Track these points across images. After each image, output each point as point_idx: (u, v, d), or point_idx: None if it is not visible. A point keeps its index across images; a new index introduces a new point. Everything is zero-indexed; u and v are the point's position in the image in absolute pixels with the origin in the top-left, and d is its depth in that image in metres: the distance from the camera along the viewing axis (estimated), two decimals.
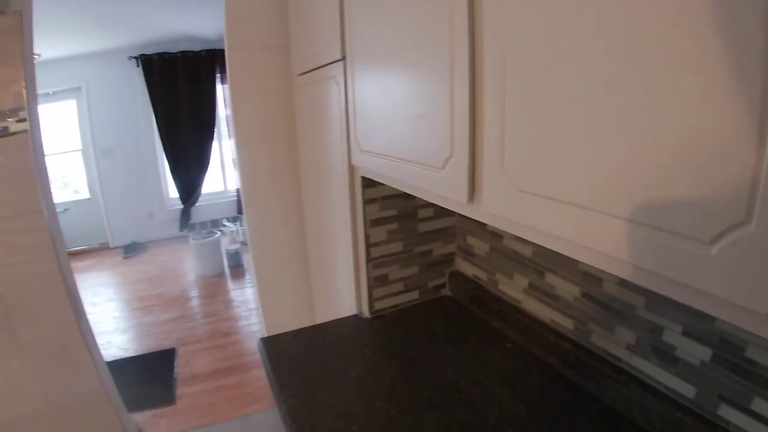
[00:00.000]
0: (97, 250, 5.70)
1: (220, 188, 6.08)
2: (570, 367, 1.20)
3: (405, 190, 1.17)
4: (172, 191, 5.85)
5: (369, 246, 1.51)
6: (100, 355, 2.53)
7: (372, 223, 1.49)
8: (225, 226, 5.33)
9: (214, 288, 4.25)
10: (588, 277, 1.14)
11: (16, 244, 2.20)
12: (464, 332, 1.45)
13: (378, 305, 1.59)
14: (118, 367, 2.70)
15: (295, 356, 1.39)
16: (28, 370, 2.47)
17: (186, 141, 5.43)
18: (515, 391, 1.17)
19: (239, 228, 5.24)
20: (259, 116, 2.17)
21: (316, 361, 1.36)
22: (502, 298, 1.45)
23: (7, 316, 2.35)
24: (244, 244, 4.94)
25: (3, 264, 2.23)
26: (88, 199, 5.68)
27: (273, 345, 1.46)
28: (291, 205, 2.31)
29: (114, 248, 5.73)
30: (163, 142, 5.40)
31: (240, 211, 5.63)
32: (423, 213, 1.56)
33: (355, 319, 1.60)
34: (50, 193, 2.23)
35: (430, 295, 1.67)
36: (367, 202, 1.45)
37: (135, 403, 2.81)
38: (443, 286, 1.69)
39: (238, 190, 5.68)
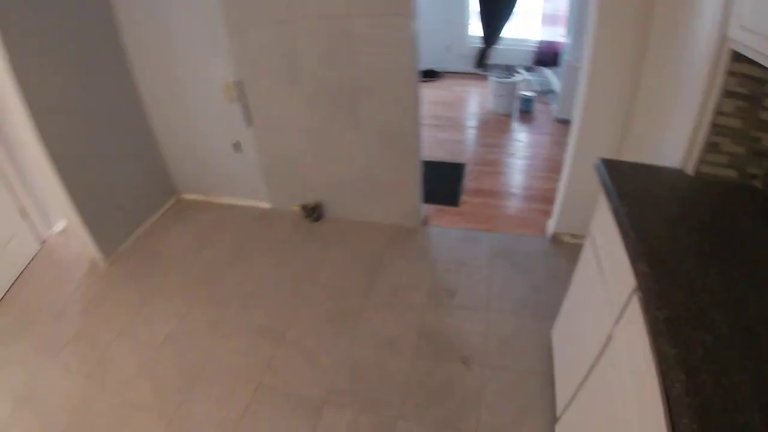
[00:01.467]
0: None
1: (521, 36, 6.07)
2: None
3: None
4: (474, 29, 6.01)
5: (717, 113, 1.63)
6: (420, 146, 2.94)
7: (726, 93, 1.59)
8: (519, 73, 5.40)
9: (502, 125, 4.53)
10: None
11: (385, 38, 2.65)
12: None
13: (701, 168, 1.73)
14: None
15: (632, 179, 1.66)
16: (360, 141, 3.01)
17: None
18: None
19: (533, 78, 5.28)
20: None
21: (650, 189, 1.62)
22: None
23: (356, 94, 2.86)
24: (536, 93, 5.01)
25: (368, 53, 2.72)
26: None
27: (612, 166, 1.74)
28: (629, 65, 2.42)
29: None
30: None
31: (537, 63, 5.61)
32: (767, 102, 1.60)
33: (678, 172, 1.78)
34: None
35: (744, 180, 1.74)
36: (729, 73, 1.55)
37: (426, 196, 3.28)
38: (756, 176, 1.73)
39: (540, 42, 5.63)
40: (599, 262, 1.70)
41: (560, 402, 1.96)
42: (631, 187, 1.61)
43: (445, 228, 3.23)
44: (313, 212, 3.41)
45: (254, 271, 3.20)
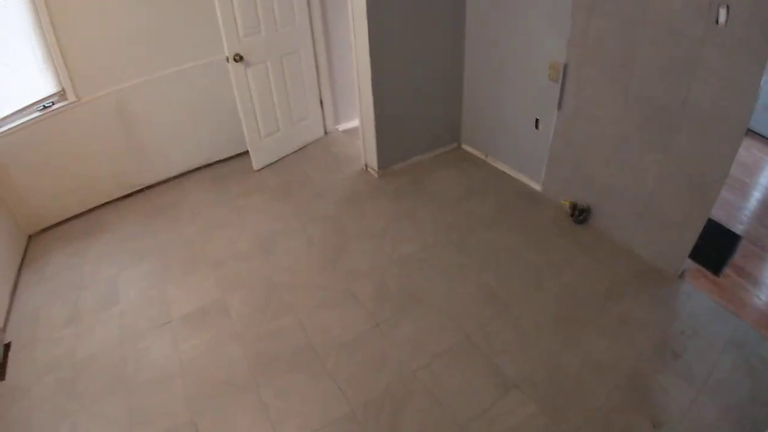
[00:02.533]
0: None
1: None
2: None
3: None
4: None
5: None
6: (716, 199, 2.81)
7: None
8: None
9: None
10: None
11: (728, 76, 2.54)
12: None
13: None
14: None
15: None
16: (661, 164, 3.00)
17: None
18: None
19: None
20: None
21: None
22: None
23: (677, 118, 2.81)
24: None
25: (706, 83, 2.63)
26: None
27: None
28: None
29: None
30: None
31: None
32: None
33: None
34: None
35: None
36: None
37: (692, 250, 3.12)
38: None
39: None
40: None
41: None
42: None
43: (696, 290, 3.10)
44: (581, 213, 3.46)
45: (503, 239, 3.41)
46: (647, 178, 3.08)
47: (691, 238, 3.00)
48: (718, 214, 3.78)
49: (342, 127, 4.78)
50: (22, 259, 3.63)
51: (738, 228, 3.78)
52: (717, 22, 2.44)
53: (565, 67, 3.21)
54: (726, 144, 2.68)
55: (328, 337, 2.77)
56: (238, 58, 3.68)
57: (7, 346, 2.95)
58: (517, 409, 2.42)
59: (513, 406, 2.43)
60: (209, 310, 2.97)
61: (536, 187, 3.85)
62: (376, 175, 3.99)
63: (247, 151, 4.21)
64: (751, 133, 5.52)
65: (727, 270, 3.30)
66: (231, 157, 4.46)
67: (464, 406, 2.43)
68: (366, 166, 4.09)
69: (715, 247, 3.44)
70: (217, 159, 4.43)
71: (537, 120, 3.57)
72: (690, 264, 3.25)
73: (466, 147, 4.38)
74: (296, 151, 4.45)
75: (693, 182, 2.88)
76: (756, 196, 4.32)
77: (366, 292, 3.03)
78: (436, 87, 3.94)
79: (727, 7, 2.38)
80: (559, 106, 3.36)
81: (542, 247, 3.39)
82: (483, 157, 4.21)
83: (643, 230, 3.25)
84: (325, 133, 4.68)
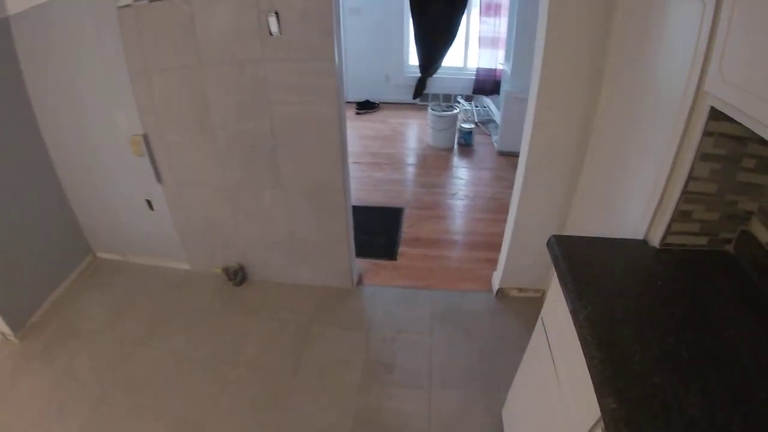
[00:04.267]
0: None
1: (460, 64, 5.93)
2: None
3: None
4: (412, 59, 5.84)
5: (689, 179, 1.39)
6: (349, 201, 2.69)
7: (702, 156, 1.36)
8: (459, 103, 5.25)
9: (443, 161, 4.31)
10: None
11: (304, 85, 2.34)
12: (745, 297, 1.33)
13: (669, 239, 1.51)
14: None
15: (588, 263, 1.41)
16: (281, 198, 2.73)
17: (435, 10, 5.26)
18: None
19: (474, 108, 5.13)
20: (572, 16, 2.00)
21: (610, 276, 1.37)
22: None
23: (274, 147, 2.56)
24: (477, 125, 4.85)
25: (286, 101, 2.41)
26: None
27: (567, 245, 1.47)
28: (581, 109, 2.20)
29: (347, 102, 6.01)
30: (411, 8, 5.30)
31: (476, 91, 5.47)
32: (746, 163, 1.37)
33: (642, 244, 1.55)
34: (341, 42, 2.27)
35: (715, 246, 1.53)
36: (705, 134, 1.32)
37: (360, 250, 3.00)
38: (729, 241, 1.53)
39: (478, 70, 5.49)
40: (556, 366, 1.44)
41: None
42: (592, 272, 1.37)
43: (381, 287, 2.91)
44: (236, 276, 3.07)
45: (171, 348, 2.79)
46: (275, 213, 2.81)
47: (346, 244, 2.78)
48: (375, 198, 3.69)
49: None
50: None
51: (399, 201, 3.71)
52: (270, 33, 2.19)
53: (146, 138, 2.82)
54: (331, 149, 2.49)
55: None
56: None
57: None
58: None
59: None
60: None
61: (186, 266, 3.38)
62: (16, 340, 3.16)
63: None
64: (386, 105, 5.86)
65: (401, 249, 3.18)
66: None
67: None
68: (3, 335, 3.23)
69: (382, 233, 3.33)
70: None
71: (149, 201, 3.12)
72: (365, 264, 3.07)
73: (102, 255, 3.68)
74: None
75: (318, 196, 2.66)
76: (406, 161, 4.44)
77: None
78: (36, 212, 3.20)
79: (276, 13, 2.13)
80: (159, 180, 2.95)
81: (212, 332, 2.86)
82: (122, 257, 3.62)
83: (301, 260, 2.98)
84: None
